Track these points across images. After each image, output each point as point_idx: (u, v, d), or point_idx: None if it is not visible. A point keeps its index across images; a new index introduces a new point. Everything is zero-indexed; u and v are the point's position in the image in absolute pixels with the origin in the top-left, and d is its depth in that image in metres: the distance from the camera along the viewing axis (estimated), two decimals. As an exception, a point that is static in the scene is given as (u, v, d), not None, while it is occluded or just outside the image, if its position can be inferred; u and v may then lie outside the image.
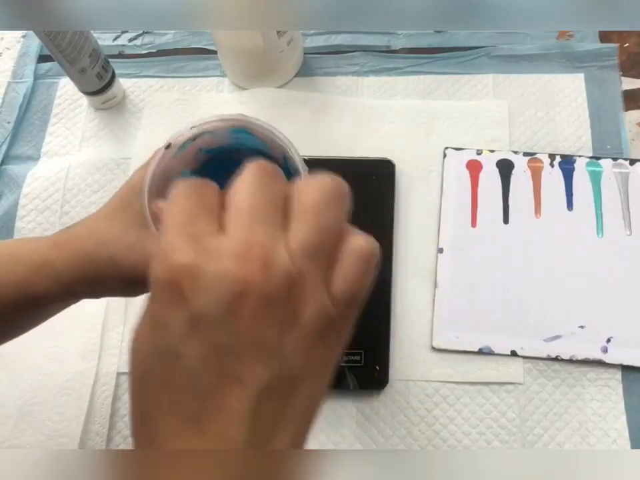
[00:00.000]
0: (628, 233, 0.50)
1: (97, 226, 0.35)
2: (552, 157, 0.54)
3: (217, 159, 0.34)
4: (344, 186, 0.24)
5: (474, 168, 0.54)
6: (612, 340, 0.47)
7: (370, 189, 0.52)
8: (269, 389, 0.21)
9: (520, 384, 0.47)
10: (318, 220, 0.22)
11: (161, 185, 0.31)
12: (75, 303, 0.37)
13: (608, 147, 0.54)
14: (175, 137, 0.31)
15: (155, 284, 0.21)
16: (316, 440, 0.46)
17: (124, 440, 0.47)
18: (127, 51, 0.65)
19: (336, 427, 0.46)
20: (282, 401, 0.22)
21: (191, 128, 0.31)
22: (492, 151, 0.54)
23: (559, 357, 0.47)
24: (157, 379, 0.22)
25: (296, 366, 0.22)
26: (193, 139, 0.32)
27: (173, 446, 0.21)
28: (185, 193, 0.23)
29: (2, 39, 0.67)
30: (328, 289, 0.22)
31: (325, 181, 0.23)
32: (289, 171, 0.32)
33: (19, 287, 0.34)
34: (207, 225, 0.22)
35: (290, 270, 0.21)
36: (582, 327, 0.48)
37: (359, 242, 0.23)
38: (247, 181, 0.23)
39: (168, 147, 0.31)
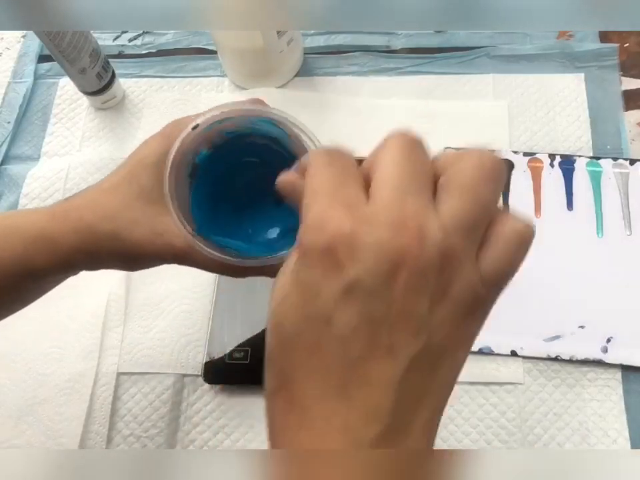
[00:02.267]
0: (628, 233, 0.50)
1: (99, 198, 0.34)
2: (552, 156, 0.54)
3: (231, 141, 0.34)
4: (503, 163, 0.23)
5: (474, 168, 0.54)
6: (612, 340, 0.47)
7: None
8: (417, 360, 0.21)
9: (520, 384, 0.47)
10: (474, 196, 0.22)
11: (176, 163, 0.31)
12: (73, 275, 0.36)
13: (608, 147, 0.54)
14: (203, 118, 0.31)
15: (308, 250, 0.21)
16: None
17: (124, 440, 0.47)
18: (127, 51, 0.65)
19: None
20: (427, 373, 0.22)
21: (221, 112, 0.31)
22: (492, 151, 0.54)
23: (559, 357, 0.47)
24: (305, 344, 0.22)
25: (442, 339, 0.22)
26: (220, 121, 0.32)
27: (316, 411, 0.22)
28: (327, 160, 0.23)
29: (2, 39, 0.67)
30: (478, 267, 0.22)
31: (484, 156, 0.23)
32: None
33: (17, 261, 0.34)
34: (356, 193, 0.22)
35: (444, 244, 0.21)
36: (582, 326, 0.47)
37: (516, 223, 0.22)
38: (394, 150, 0.22)
39: (195, 127, 0.31)
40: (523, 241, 0.22)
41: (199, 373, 0.48)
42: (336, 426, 0.21)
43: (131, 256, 0.33)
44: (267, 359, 0.24)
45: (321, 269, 0.21)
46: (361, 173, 0.23)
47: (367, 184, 0.23)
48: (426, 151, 0.23)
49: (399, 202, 0.21)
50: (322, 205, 0.22)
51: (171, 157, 0.31)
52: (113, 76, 0.59)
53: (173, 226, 0.31)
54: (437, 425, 0.23)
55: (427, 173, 0.22)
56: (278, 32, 0.54)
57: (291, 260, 0.23)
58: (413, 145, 0.23)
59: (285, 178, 0.25)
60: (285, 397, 0.23)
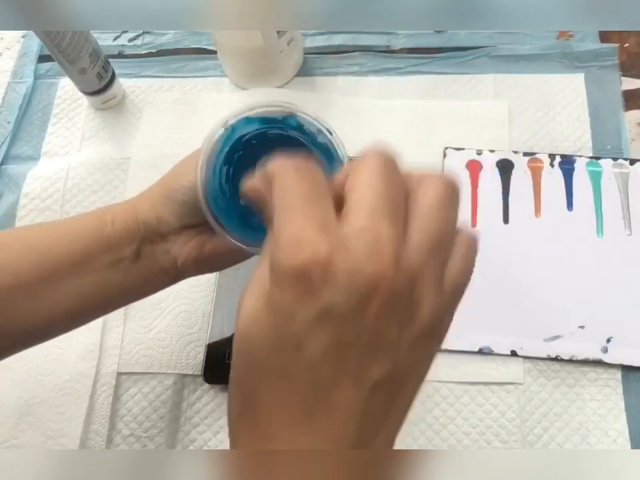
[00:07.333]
0: (628, 233, 0.50)
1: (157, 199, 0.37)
2: (552, 156, 0.54)
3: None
4: (458, 183, 0.24)
5: (474, 168, 0.54)
6: (612, 340, 0.47)
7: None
8: (379, 387, 0.22)
9: (520, 384, 0.47)
10: (441, 216, 0.22)
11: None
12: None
13: (608, 147, 0.54)
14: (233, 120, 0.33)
15: (282, 271, 0.21)
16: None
17: (124, 440, 0.47)
18: (127, 51, 0.65)
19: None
20: (389, 399, 0.22)
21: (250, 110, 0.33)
22: (492, 151, 0.54)
23: (558, 357, 0.47)
24: (273, 369, 0.22)
25: (407, 363, 0.22)
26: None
27: (281, 439, 0.22)
28: (297, 174, 0.22)
29: (2, 39, 0.67)
30: (443, 285, 0.23)
31: (444, 178, 0.23)
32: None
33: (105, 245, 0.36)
34: (329, 214, 0.22)
35: (415, 267, 0.21)
36: (582, 327, 0.47)
37: (467, 236, 0.24)
38: (371, 171, 0.22)
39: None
40: (473, 249, 0.24)
41: (199, 373, 0.48)
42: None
43: (204, 258, 0.37)
44: (231, 381, 0.23)
45: (295, 292, 0.21)
46: (331, 190, 0.23)
47: (336, 202, 0.22)
48: (400, 172, 0.23)
49: (375, 227, 0.21)
50: (296, 224, 0.21)
51: (200, 188, 0.32)
52: (113, 76, 0.59)
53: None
54: (396, 438, 0.24)
55: (401, 196, 0.23)
56: (278, 32, 0.54)
57: (260, 276, 0.22)
58: (389, 166, 0.23)
59: (251, 184, 0.24)
60: (249, 424, 0.23)
